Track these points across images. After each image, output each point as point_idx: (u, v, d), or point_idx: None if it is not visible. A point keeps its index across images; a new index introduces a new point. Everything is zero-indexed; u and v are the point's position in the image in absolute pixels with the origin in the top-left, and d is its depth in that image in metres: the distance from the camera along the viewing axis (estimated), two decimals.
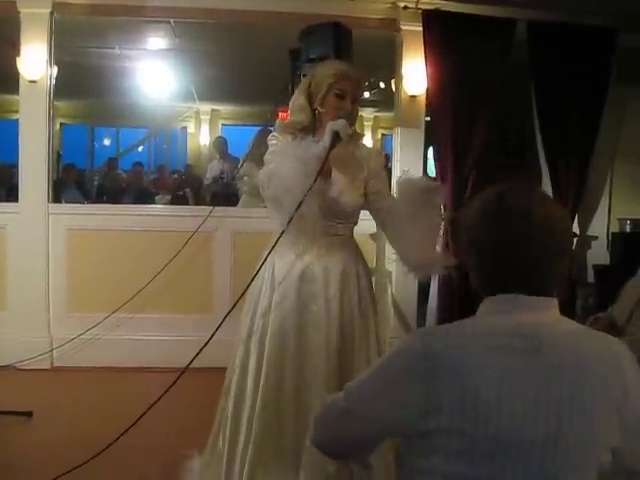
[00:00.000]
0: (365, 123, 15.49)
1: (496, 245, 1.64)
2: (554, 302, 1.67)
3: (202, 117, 15.78)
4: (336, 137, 2.95)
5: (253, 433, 3.07)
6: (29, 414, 4.59)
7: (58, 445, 4.19)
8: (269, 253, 3.12)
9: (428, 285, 5.90)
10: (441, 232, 3.28)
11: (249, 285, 3.20)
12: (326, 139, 2.96)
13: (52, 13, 5.59)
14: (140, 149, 16.94)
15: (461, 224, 1.71)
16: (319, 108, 3.14)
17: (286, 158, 2.99)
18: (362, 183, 3.18)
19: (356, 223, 3.29)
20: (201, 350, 3.04)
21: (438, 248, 3.37)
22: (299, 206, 2.87)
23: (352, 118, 3.12)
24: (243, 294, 3.22)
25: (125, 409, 4.74)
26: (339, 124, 2.97)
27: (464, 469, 1.57)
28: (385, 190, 3.24)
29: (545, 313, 1.65)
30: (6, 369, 5.47)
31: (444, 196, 3.15)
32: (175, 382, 3.12)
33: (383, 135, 16.12)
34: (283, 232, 3.03)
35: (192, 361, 3.08)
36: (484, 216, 1.68)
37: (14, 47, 5.97)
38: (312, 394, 3.02)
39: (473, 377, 1.57)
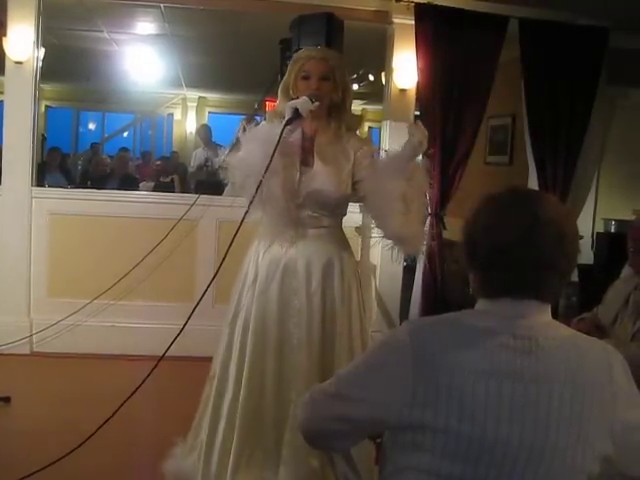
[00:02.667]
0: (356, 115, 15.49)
1: (500, 249, 1.61)
2: (549, 308, 1.66)
3: (189, 104, 15.73)
4: (295, 113, 2.95)
5: (236, 425, 3.07)
6: (7, 399, 4.55)
7: (36, 431, 4.17)
8: (229, 244, 3.09)
9: (412, 279, 5.89)
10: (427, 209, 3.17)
11: (215, 276, 3.18)
12: (286, 116, 2.99)
13: None
14: (125, 135, 16.87)
15: (464, 226, 1.69)
16: (292, 95, 3.14)
17: (251, 142, 3.01)
18: (349, 174, 3.13)
19: (344, 215, 3.25)
20: (175, 339, 3.04)
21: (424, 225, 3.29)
22: (259, 187, 2.86)
23: (320, 96, 3.04)
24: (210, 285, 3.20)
25: (105, 397, 4.75)
26: (299, 101, 2.98)
27: (449, 468, 1.57)
28: (369, 176, 3.09)
29: (540, 317, 1.64)
30: None
31: (422, 133, 3.04)
32: (153, 370, 3.11)
33: (370, 128, 16.13)
34: (245, 215, 3.01)
35: (168, 349, 3.08)
36: (489, 218, 1.65)
37: (1, 27, 5.89)
38: (292, 389, 3.02)
39: (460, 374, 1.56)
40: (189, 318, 3.06)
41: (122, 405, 3.20)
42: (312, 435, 1.81)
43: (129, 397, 3.16)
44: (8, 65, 5.51)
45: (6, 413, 4.47)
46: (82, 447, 3.39)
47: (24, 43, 5.46)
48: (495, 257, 1.62)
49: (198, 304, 3.05)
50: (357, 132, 3.28)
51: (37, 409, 4.54)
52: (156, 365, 3.09)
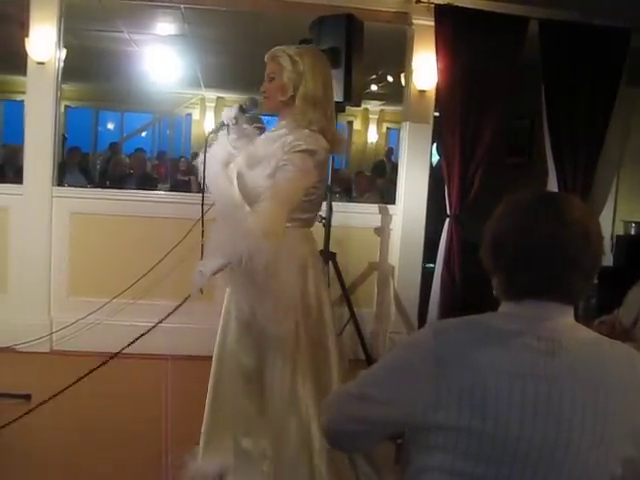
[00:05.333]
0: (371, 116, 15.49)
1: (527, 249, 1.61)
2: (572, 310, 1.66)
3: (207, 104, 15.77)
4: (221, 123, 3.26)
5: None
6: (28, 397, 4.59)
7: (56, 428, 4.22)
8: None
9: (431, 280, 5.89)
10: None
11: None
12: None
13: None
14: (144, 134, 16.94)
15: (488, 227, 1.69)
16: None
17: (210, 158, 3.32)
18: (272, 176, 2.99)
19: (298, 217, 3.08)
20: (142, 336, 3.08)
21: None
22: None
23: (268, 95, 3.12)
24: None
25: (124, 395, 4.81)
26: (225, 111, 3.28)
27: (471, 468, 1.57)
28: (266, 191, 2.94)
29: (564, 319, 1.64)
30: (6, 351, 5.47)
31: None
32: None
33: (388, 129, 16.11)
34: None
35: (127, 347, 3.12)
36: (514, 219, 1.65)
37: (22, 27, 5.93)
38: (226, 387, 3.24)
39: (484, 375, 1.56)
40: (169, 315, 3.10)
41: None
42: (334, 436, 1.82)
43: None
44: (30, 65, 5.56)
45: (27, 410, 4.50)
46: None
47: (46, 44, 5.50)
48: (521, 259, 1.62)
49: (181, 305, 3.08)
50: (316, 130, 3.05)
51: (57, 406, 4.57)
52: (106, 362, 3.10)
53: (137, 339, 3.16)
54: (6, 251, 5.67)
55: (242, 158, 3.18)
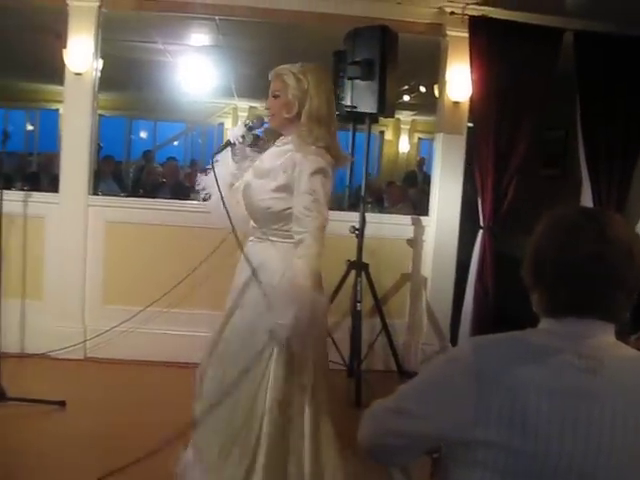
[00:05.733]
0: (402, 126, 15.47)
1: (570, 266, 1.61)
2: (613, 328, 1.65)
3: (240, 114, 15.85)
4: (227, 142, 3.31)
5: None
6: (62, 403, 4.64)
7: (90, 435, 4.25)
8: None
9: (463, 292, 5.86)
10: None
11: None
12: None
13: (100, 7, 5.62)
14: (176, 143, 17.07)
15: (530, 243, 1.69)
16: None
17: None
18: (281, 189, 3.09)
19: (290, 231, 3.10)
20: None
21: None
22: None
23: (273, 112, 3.20)
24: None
25: (156, 403, 4.84)
26: (231, 130, 3.37)
27: None
28: (298, 219, 3.01)
29: (606, 337, 1.63)
30: (40, 357, 5.54)
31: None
32: None
33: (420, 139, 16.08)
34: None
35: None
36: (557, 235, 1.65)
37: (59, 38, 6.02)
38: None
39: (524, 392, 1.55)
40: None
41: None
42: (372, 449, 1.82)
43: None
44: (68, 76, 5.63)
45: (61, 417, 4.56)
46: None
47: (83, 55, 5.58)
48: (563, 275, 1.61)
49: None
50: (323, 147, 3.11)
51: (91, 413, 4.62)
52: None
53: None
54: (42, 259, 5.74)
55: (252, 167, 3.27)
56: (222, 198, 3.16)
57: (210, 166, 3.30)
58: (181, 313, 5.66)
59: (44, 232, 5.74)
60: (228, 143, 3.30)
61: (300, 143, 3.09)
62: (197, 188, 3.44)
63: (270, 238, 3.15)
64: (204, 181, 3.37)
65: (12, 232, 5.38)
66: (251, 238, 3.27)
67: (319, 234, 2.98)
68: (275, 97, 3.18)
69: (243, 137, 3.29)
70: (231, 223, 3.14)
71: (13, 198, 5.44)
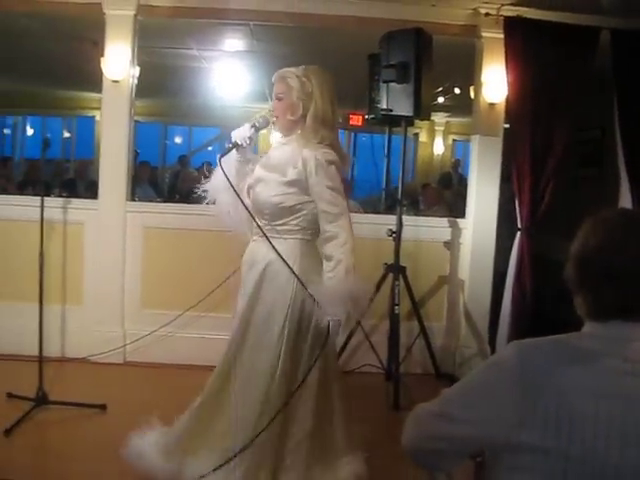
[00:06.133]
0: (437, 128, 15.40)
1: (615, 268, 1.59)
2: None
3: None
4: (234, 143, 3.32)
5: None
6: (103, 407, 4.70)
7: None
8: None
9: (501, 294, 5.82)
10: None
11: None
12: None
13: (136, 15, 5.69)
14: (210, 148, 17.16)
15: (573, 246, 1.68)
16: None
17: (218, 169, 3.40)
18: (292, 184, 3.20)
19: (301, 225, 3.26)
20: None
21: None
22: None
23: (277, 114, 3.30)
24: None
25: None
26: (235, 131, 3.36)
27: None
28: (326, 214, 3.17)
29: None
30: (81, 362, 5.61)
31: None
32: None
33: (454, 140, 16.00)
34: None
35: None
36: (602, 238, 1.63)
37: (95, 46, 6.10)
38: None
39: (570, 396, 1.54)
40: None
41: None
42: (415, 453, 1.82)
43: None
44: (105, 84, 5.70)
45: (102, 420, 4.61)
46: None
47: (121, 62, 5.64)
48: (608, 279, 1.60)
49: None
50: (328, 145, 3.25)
51: (131, 417, 4.64)
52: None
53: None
54: (81, 264, 5.82)
55: (259, 165, 3.36)
56: (236, 192, 3.22)
57: (217, 168, 3.35)
58: (219, 317, 5.65)
59: (83, 238, 5.81)
60: (235, 144, 3.33)
61: (305, 142, 3.20)
62: (201, 191, 3.48)
63: (275, 235, 3.23)
64: (208, 185, 3.42)
65: (52, 238, 5.45)
66: (255, 237, 3.36)
67: (350, 228, 3.13)
68: (279, 100, 3.28)
69: (250, 138, 3.34)
70: (249, 211, 3.25)
71: (53, 205, 5.52)
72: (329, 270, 3.10)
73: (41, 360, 4.73)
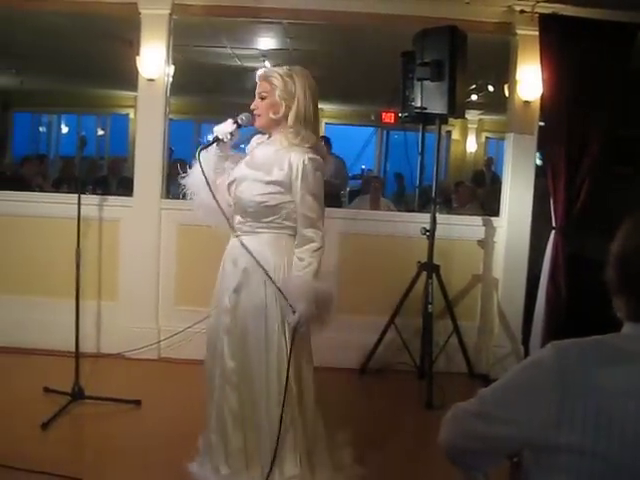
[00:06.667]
0: (470, 126, 15.33)
1: None
2: None
3: None
4: (215, 138, 3.35)
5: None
6: (138, 402, 4.75)
7: (166, 434, 4.33)
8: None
9: (535, 294, 5.78)
10: None
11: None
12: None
13: (171, 14, 5.73)
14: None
15: (613, 246, 1.66)
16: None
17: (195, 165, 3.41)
18: (276, 184, 3.24)
19: (283, 226, 3.32)
20: None
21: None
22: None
23: (259, 113, 3.32)
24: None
25: None
26: (218, 126, 3.38)
27: None
28: (305, 218, 3.26)
29: None
30: (116, 357, 5.67)
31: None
32: None
33: (487, 138, 15.91)
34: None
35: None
36: None
37: (130, 46, 6.15)
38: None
39: (609, 397, 1.53)
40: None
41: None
42: (453, 453, 1.82)
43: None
44: (141, 82, 5.75)
45: (137, 415, 4.67)
46: None
47: (156, 61, 5.69)
48: None
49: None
50: (310, 149, 3.28)
51: (166, 412, 4.71)
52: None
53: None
54: (117, 261, 5.88)
55: (243, 164, 3.39)
56: (209, 187, 3.28)
57: (194, 162, 3.37)
58: None
59: (118, 235, 5.87)
60: (217, 139, 3.36)
61: (288, 145, 3.24)
62: (181, 184, 3.50)
63: (258, 231, 3.30)
64: (187, 180, 3.45)
65: (88, 235, 5.53)
66: (237, 232, 3.38)
67: (323, 231, 3.28)
68: (262, 98, 3.31)
69: (232, 134, 3.37)
70: (220, 207, 3.30)
71: (89, 202, 5.59)
72: (298, 270, 3.22)
73: (77, 355, 4.80)
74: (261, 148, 3.39)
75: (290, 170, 3.20)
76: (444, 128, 5.75)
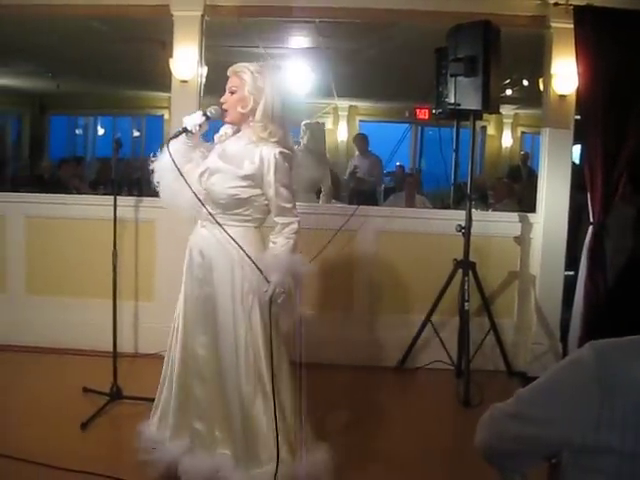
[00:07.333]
0: (505, 120, 15.20)
1: None
2: None
3: (340, 113, 15.90)
4: (184, 129, 3.43)
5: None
6: None
7: None
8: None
9: (573, 291, 5.71)
10: None
11: None
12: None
13: (203, 15, 5.75)
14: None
15: None
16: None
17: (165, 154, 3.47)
18: (247, 178, 3.33)
19: (252, 218, 3.42)
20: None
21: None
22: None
23: (228, 107, 3.42)
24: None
25: None
26: (187, 117, 3.46)
27: None
28: (281, 208, 3.36)
29: None
30: (153, 357, 5.69)
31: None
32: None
33: (523, 133, 15.77)
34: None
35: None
36: None
37: (163, 47, 6.19)
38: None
39: None
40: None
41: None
42: (490, 454, 1.80)
43: None
44: (174, 84, 5.79)
45: None
46: None
47: (189, 63, 5.71)
48: None
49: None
50: (277, 143, 3.36)
51: None
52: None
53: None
54: (153, 261, 5.92)
55: (214, 156, 3.46)
56: (183, 176, 3.32)
57: (162, 150, 3.44)
58: None
59: (155, 236, 5.90)
60: (185, 130, 3.44)
61: (256, 139, 3.35)
62: (150, 169, 3.54)
63: (227, 222, 3.38)
64: (155, 165, 3.51)
65: (124, 236, 5.57)
66: (204, 223, 3.47)
67: (297, 216, 3.39)
68: (232, 93, 3.41)
69: (200, 126, 3.46)
70: (197, 198, 3.34)
71: (125, 204, 5.64)
72: (277, 245, 3.33)
73: (115, 356, 4.85)
74: (232, 141, 3.49)
75: (261, 164, 3.30)
76: (479, 124, 5.68)
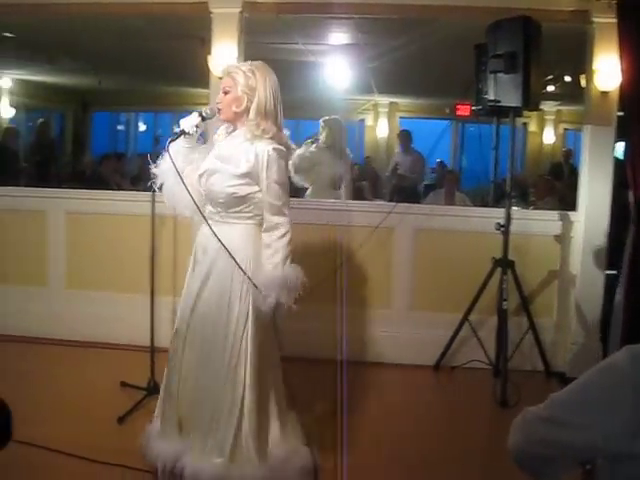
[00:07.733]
0: (546, 117, 15.02)
1: None
2: None
3: (380, 110, 15.85)
4: (182, 131, 3.50)
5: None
6: None
7: None
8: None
9: (614, 290, 5.61)
10: None
11: None
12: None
13: (242, 12, 5.76)
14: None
15: None
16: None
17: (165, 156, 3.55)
18: (245, 176, 3.39)
19: (252, 215, 3.46)
20: None
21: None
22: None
23: (213, 109, 3.55)
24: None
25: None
26: (185, 119, 3.53)
27: None
28: (271, 205, 3.40)
29: None
30: None
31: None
32: None
33: (565, 130, 15.56)
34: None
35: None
36: None
37: (202, 44, 6.22)
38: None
39: None
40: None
41: None
42: (522, 459, 1.78)
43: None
44: (212, 80, 5.80)
45: None
46: None
47: (227, 59, 5.70)
48: None
49: None
50: (271, 139, 3.41)
51: None
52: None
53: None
54: (190, 257, 5.93)
55: (212, 157, 3.53)
56: (181, 177, 3.39)
57: (164, 153, 3.50)
58: (326, 310, 5.62)
59: (192, 232, 5.90)
60: (183, 132, 3.52)
61: (251, 137, 3.41)
62: (153, 172, 3.61)
63: (229, 220, 3.45)
64: (157, 169, 3.59)
65: (163, 232, 5.62)
66: (207, 221, 3.48)
67: (289, 220, 3.44)
68: (226, 93, 3.49)
69: (197, 127, 3.54)
70: (192, 198, 3.40)
71: (163, 199, 5.67)
72: (267, 258, 3.39)
73: (153, 350, 4.89)
74: (227, 141, 3.56)
75: (257, 161, 3.37)
76: (519, 120, 5.62)
